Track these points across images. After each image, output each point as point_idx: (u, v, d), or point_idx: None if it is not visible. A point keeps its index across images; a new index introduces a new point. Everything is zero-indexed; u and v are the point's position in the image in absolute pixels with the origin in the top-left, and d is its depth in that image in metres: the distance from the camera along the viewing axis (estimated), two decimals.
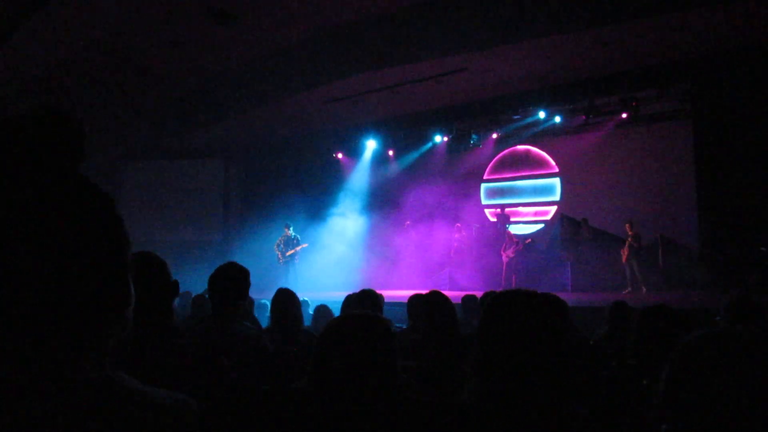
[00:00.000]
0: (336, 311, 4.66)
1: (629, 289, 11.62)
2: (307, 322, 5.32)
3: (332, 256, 14.05)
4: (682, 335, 1.22)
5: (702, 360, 1.23)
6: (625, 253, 11.86)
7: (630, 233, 11.88)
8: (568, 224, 13.95)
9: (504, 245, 13.23)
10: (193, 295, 6.00)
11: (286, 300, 3.95)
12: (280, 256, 13.18)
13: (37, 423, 0.68)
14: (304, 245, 13.24)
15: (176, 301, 7.16)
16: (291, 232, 13.27)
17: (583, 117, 12.93)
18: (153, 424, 0.72)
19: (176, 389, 1.41)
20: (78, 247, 0.75)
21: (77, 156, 0.82)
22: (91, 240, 0.77)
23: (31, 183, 0.75)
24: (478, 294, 5.18)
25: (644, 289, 11.45)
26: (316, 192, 15.69)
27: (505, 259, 13.09)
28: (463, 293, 6.22)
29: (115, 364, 0.90)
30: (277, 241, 13.31)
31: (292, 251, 13.14)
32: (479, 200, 15.80)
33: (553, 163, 14.81)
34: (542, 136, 14.33)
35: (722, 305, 3.29)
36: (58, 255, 0.74)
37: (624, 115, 12.71)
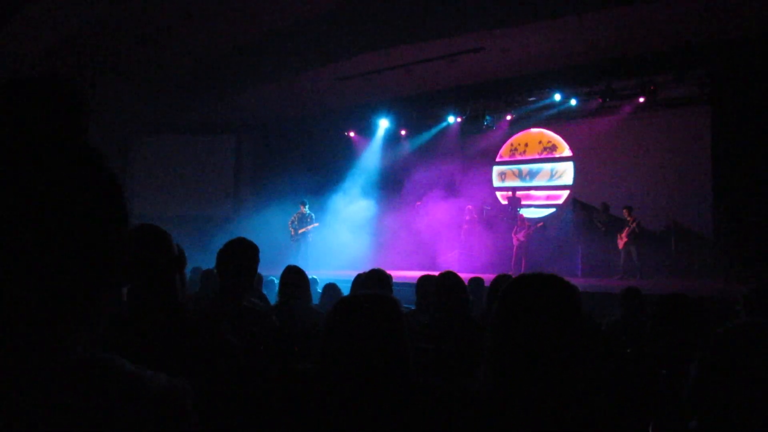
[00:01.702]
0: (345, 290, 4.62)
1: (620, 275, 11.57)
2: (315, 300, 5.30)
3: (342, 235, 14.08)
4: (701, 325, 1.14)
5: (735, 353, 1.16)
6: (623, 239, 11.72)
7: (629, 218, 11.77)
8: (580, 209, 13.91)
9: (515, 228, 13.20)
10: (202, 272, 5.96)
11: (294, 277, 3.93)
12: (292, 232, 13.26)
13: (17, 408, 0.64)
14: (316, 224, 13.31)
15: (187, 275, 7.22)
16: (306, 209, 13.34)
17: (600, 100, 12.74)
18: (143, 409, 0.67)
19: (178, 368, 1.36)
20: (70, 215, 0.70)
21: (80, 125, 0.76)
22: (85, 208, 0.71)
23: (26, 148, 0.70)
24: (487, 277, 5.12)
25: (638, 276, 11.35)
26: (327, 170, 15.70)
27: (516, 242, 13.07)
28: (471, 275, 6.15)
29: (112, 341, 0.84)
30: (292, 218, 13.39)
31: (304, 229, 13.19)
32: (491, 182, 15.75)
33: (566, 146, 14.64)
34: (557, 119, 14.24)
35: (742, 295, 3.20)
36: (46, 223, 0.68)
37: (641, 100, 12.53)
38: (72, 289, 0.71)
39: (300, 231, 13.23)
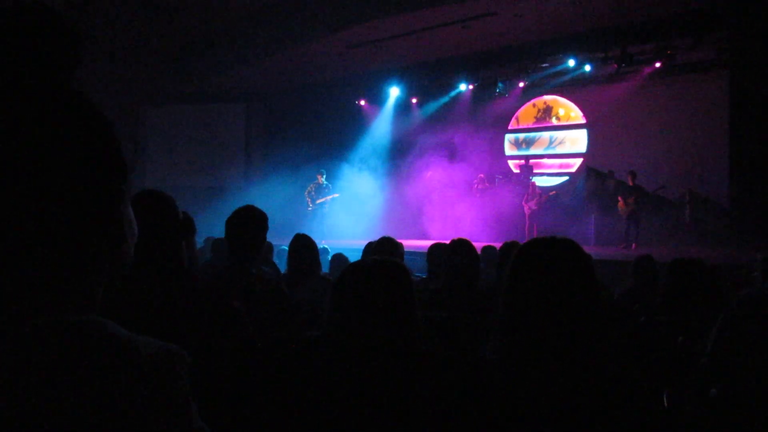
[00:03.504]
0: (354, 260, 4.49)
1: (625, 244, 11.46)
2: (325, 269, 5.31)
3: (353, 204, 14.09)
4: (717, 292, 1.09)
5: (756, 318, 1.11)
6: (629, 205, 11.43)
7: (632, 184, 11.54)
8: (593, 177, 13.79)
9: (526, 196, 13.12)
10: (213, 240, 5.97)
11: (303, 245, 3.94)
12: (309, 202, 13.25)
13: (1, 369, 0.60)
14: (335, 195, 13.29)
15: (200, 244, 7.21)
16: (323, 179, 13.31)
17: (615, 66, 12.47)
18: (132, 375, 0.65)
19: (181, 334, 1.33)
20: (65, 168, 0.66)
21: (70, 62, 0.71)
22: (80, 161, 0.67)
23: (11, 89, 0.66)
24: (499, 246, 5.07)
25: (634, 246, 11.17)
26: (337, 139, 15.71)
27: (527, 210, 12.99)
28: (483, 244, 6.11)
29: (111, 305, 0.81)
30: (308, 188, 13.38)
31: (323, 200, 13.16)
32: (503, 150, 15.70)
33: (580, 113, 14.48)
34: (571, 85, 14.06)
35: (759, 261, 3.13)
36: (39, 177, 0.64)
37: (658, 65, 12.27)
38: (66, 247, 0.67)
39: (318, 201, 13.21)
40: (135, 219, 0.77)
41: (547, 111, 15.03)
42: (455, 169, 14.26)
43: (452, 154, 14.56)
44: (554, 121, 15.09)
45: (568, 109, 14.78)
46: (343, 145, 15.49)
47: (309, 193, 13.33)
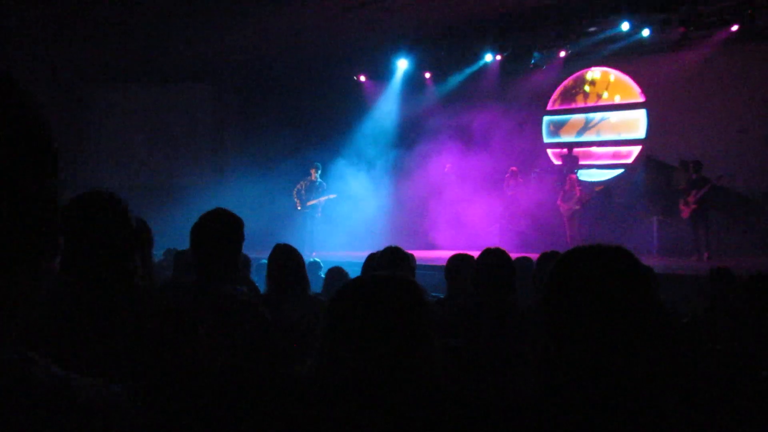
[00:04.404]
0: (354, 275, 4.49)
1: (698, 255, 11.43)
2: (317, 288, 5.36)
3: (352, 207, 14.18)
4: None
5: None
6: (690, 205, 11.38)
7: (694, 176, 11.54)
8: (655, 169, 13.80)
9: (562, 194, 13.21)
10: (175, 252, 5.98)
11: (286, 258, 3.97)
12: (298, 203, 13.31)
13: None
14: (332, 196, 13.30)
15: (159, 257, 7.20)
16: (317, 176, 13.31)
17: (681, 30, 12.44)
18: (64, 423, 0.64)
19: (135, 371, 1.32)
20: None
21: None
22: None
23: None
24: (535, 257, 5.15)
25: (706, 256, 11.19)
26: (330, 126, 15.81)
27: (565, 212, 13.08)
28: (517, 255, 6.10)
29: (43, 336, 0.79)
30: (298, 186, 13.44)
31: (315, 201, 13.19)
32: (541, 137, 15.75)
33: (637, 90, 14.52)
34: (625, 55, 14.13)
35: None
36: None
37: (734, 28, 12.21)
38: None
39: (309, 203, 13.20)
40: (72, 226, 0.75)
41: (596, 87, 15.14)
42: (479, 161, 14.29)
43: (475, 143, 14.59)
44: (604, 100, 15.11)
45: (621, 85, 14.86)
46: (337, 133, 15.59)
47: (298, 192, 13.37)
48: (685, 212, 11.52)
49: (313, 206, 13.32)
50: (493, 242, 12.15)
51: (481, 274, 3.73)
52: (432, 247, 13.72)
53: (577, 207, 12.92)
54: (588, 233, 12.65)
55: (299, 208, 13.33)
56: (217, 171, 17.15)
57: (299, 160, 14.05)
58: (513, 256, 5.29)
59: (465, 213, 14.18)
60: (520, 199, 14.04)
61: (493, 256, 3.81)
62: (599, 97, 15.17)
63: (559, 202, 13.17)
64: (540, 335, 1.50)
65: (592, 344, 1.42)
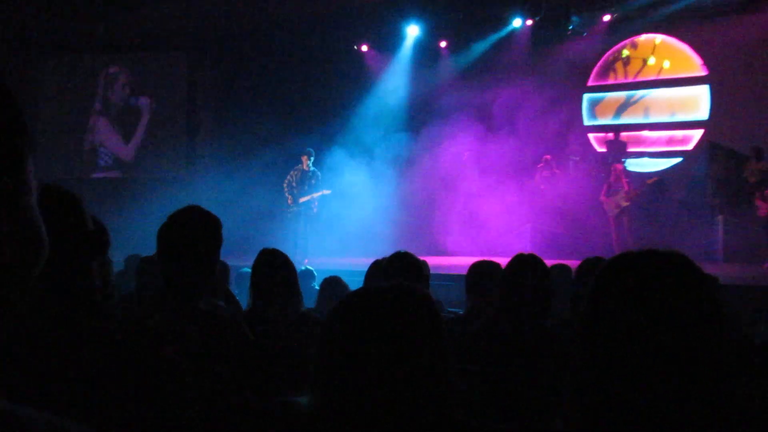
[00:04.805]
0: (354, 285, 4.53)
1: None
2: (311, 302, 5.40)
3: (350, 206, 14.20)
4: None
5: None
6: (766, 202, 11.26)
7: (757, 166, 11.66)
8: (721, 158, 13.76)
9: (606, 188, 13.21)
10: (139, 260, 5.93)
11: (273, 266, 3.99)
12: (289, 199, 13.25)
13: None
14: (325, 191, 13.28)
15: (119, 265, 7.24)
16: (310, 164, 13.20)
17: None
18: None
19: (90, 401, 1.32)
20: None
21: None
22: None
23: None
24: (575, 263, 5.20)
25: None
26: (326, 105, 15.79)
27: (609, 209, 13.06)
28: (554, 262, 6.10)
29: None
30: (288, 177, 13.33)
31: (308, 197, 13.15)
32: (580, 119, 15.67)
33: (698, 62, 14.53)
34: (682, 19, 14.15)
35: None
36: None
37: None
38: None
39: (301, 199, 13.13)
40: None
41: (646, 59, 15.08)
42: (504, 148, 14.24)
43: (499, 126, 14.51)
44: (657, 74, 15.06)
45: (678, 56, 14.83)
46: (332, 115, 15.53)
47: (289, 184, 13.28)
48: (763, 209, 11.53)
49: (306, 203, 13.23)
50: (522, 247, 12.06)
51: (510, 285, 3.68)
52: (445, 252, 13.73)
53: (625, 203, 12.92)
54: (638, 235, 12.66)
55: (290, 203, 13.24)
56: (189, 160, 17.07)
57: (286, 148, 14.04)
58: (548, 262, 5.31)
59: (486, 211, 14.17)
60: (554, 194, 14.05)
61: (525, 263, 3.74)
62: (650, 70, 15.10)
63: (602, 197, 13.19)
64: (576, 361, 1.50)
65: (641, 374, 1.41)
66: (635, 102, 15.25)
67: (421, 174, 14.97)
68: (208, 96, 17.73)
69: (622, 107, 15.40)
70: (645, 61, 15.18)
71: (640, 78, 15.19)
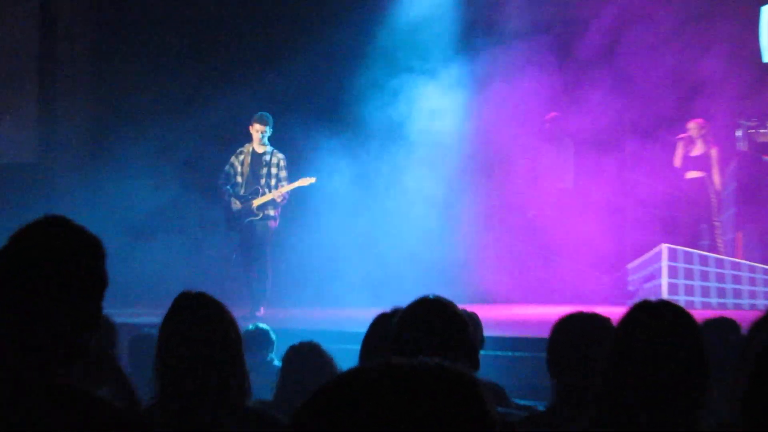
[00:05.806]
0: (345, 359, 4.17)
1: None
2: (266, 390, 4.60)
3: (340, 218, 11.72)
4: None
5: None
6: None
7: None
8: None
9: None
10: None
11: (198, 325, 3.26)
12: (235, 202, 10.70)
13: None
14: (309, 180, 10.51)
15: None
16: (265, 140, 10.65)
17: None
18: None
19: None
20: None
21: None
22: None
23: None
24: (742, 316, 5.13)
25: None
26: (285, 56, 12.83)
27: None
28: (703, 313, 6.09)
29: None
30: (227, 167, 10.85)
31: (268, 197, 10.42)
32: (758, 55, 13.19)
33: None
34: None
35: None
36: None
37: None
38: None
39: (255, 202, 10.52)
40: None
41: None
42: (615, 124, 11.41)
43: (602, 68, 11.44)
44: None
45: None
46: (301, 68, 12.51)
47: (228, 178, 10.53)
48: None
49: (264, 207, 10.41)
50: (650, 290, 10.34)
51: (626, 359, 2.84)
52: (514, 299, 10.89)
53: None
54: None
55: (235, 209, 10.22)
56: (42, 142, 13.88)
57: (216, 112, 11.00)
58: (696, 315, 4.19)
59: (584, 229, 10.79)
60: (700, 200, 10.86)
61: (656, 318, 2.94)
62: None
63: None
64: None
65: None
66: None
67: (466, 171, 11.87)
68: (76, 54, 14.02)
69: None
70: None
71: None
